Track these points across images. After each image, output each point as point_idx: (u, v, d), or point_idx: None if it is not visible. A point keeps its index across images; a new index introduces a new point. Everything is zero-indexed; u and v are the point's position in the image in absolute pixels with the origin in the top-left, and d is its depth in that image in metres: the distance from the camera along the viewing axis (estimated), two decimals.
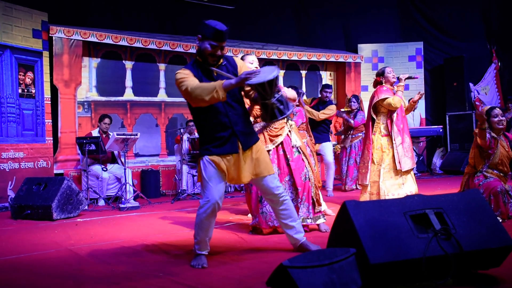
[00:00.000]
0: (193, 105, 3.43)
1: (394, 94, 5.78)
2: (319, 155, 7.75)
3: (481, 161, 5.12)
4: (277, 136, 4.66)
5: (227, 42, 9.74)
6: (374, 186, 5.77)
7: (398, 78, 5.91)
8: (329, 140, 7.87)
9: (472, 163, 5.20)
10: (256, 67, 4.56)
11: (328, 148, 7.80)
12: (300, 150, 4.75)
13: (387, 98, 5.72)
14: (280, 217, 3.78)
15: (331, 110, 7.67)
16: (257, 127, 4.61)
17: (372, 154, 5.83)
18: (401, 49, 11.83)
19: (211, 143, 3.54)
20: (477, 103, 11.74)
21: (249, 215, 5.48)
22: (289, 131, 4.76)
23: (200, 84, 3.35)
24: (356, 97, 8.63)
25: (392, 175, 5.71)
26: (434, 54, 12.31)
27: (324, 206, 5.92)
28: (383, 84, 5.89)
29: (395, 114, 5.80)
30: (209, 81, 3.43)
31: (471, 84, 11.75)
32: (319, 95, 8.03)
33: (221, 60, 3.60)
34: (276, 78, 3.28)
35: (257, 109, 4.49)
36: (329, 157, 7.79)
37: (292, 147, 4.71)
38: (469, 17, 12.27)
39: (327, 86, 7.99)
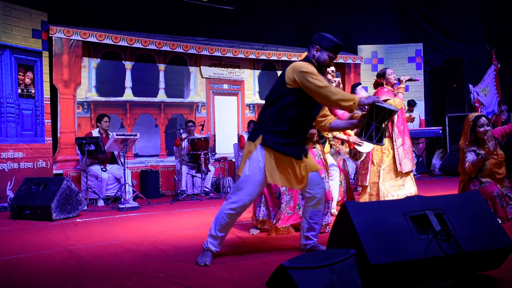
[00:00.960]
0: (323, 103, 3.53)
1: (394, 96, 5.78)
2: None
3: (474, 171, 5.08)
4: (309, 140, 4.80)
5: (226, 42, 9.74)
6: (373, 187, 5.77)
7: (399, 80, 5.91)
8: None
9: (464, 174, 5.17)
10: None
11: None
12: (321, 156, 4.88)
13: (388, 99, 5.72)
14: (309, 215, 3.80)
15: None
16: None
17: (372, 155, 5.84)
18: (401, 50, 11.84)
19: (282, 138, 3.54)
20: (476, 104, 11.76)
21: (251, 230, 5.45)
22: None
23: (338, 89, 3.46)
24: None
25: (391, 176, 5.71)
26: (434, 55, 12.32)
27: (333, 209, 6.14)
28: (384, 86, 5.89)
29: (395, 116, 5.80)
30: None
31: (470, 86, 11.77)
32: None
33: None
34: (394, 114, 3.60)
35: None
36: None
37: (314, 151, 4.85)
38: (469, 18, 12.28)
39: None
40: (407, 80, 5.92)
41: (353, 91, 7.08)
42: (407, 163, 5.71)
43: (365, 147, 5.70)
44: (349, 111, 3.56)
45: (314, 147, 4.90)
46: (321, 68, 3.63)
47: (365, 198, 5.80)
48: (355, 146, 5.72)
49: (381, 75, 5.97)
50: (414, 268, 2.64)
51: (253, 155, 3.54)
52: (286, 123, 3.52)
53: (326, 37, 3.60)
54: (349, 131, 5.53)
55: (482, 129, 4.99)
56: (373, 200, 5.63)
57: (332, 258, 2.49)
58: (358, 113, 4.22)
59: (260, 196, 4.76)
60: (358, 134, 3.60)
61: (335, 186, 5.69)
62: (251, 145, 3.57)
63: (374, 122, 3.47)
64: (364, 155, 5.76)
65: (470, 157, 4.99)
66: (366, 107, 3.54)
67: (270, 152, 3.52)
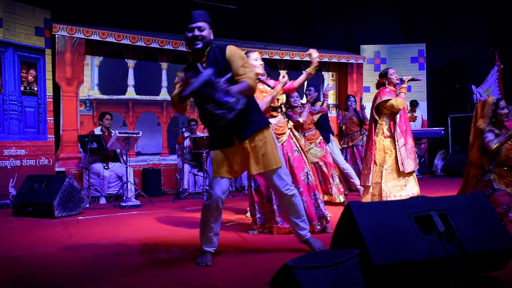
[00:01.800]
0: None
1: (397, 95, 5.78)
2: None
3: (488, 160, 5.04)
4: (282, 134, 4.68)
5: (229, 41, 9.73)
6: (376, 187, 5.77)
7: (401, 80, 5.90)
8: (329, 141, 7.56)
9: (479, 163, 5.10)
10: (261, 64, 4.56)
11: (333, 149, 7.57)
12: (300, 150, 4.78)
13: (389, 99, 5.72)
14: (287, 212, 3.78)
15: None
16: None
17: (375, 155, 5.83)
18: (403, 50, 11.83)
19: (212, 138, 3.61)
20: None
21: (248, 214, 5.48)
22: (291, 130, 4.79)
23: (173, 93, 3.41)
24: (354, 97, 8.68)
25: (394, 176, 5.71)
26: (436, 56, 12.31)
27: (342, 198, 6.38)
28: (386, 86, 5.89)
29: (398, 116, 5.80)
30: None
31: (473, 86, 11.75)
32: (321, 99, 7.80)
33: (207, 49, 3.52)
34: (206, 81, 3.03)
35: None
36: (338, 159, 7.51)
37: (293, 146, 4.75)
38: (472, 19, 12.27)
39: (307, 85, 7.81)
40: (409, 80, 5.92)
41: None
42: (410, 163, 5.70)
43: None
44: (184, 110, 3.55)
45: (293, 140, 4.79)
46: (193, 49, 3.50)
47: (367, 198, 5.79)
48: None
49: (383, 75, 5.97)
50: (418, 269, 2.63)
51: (210, 156, 3.63)
52: (205, 124, 3.61)
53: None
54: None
55: (503, 111, 5.07)
56: (376, 200, 5.63)
57: (335, 258, 2.48)
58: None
59: (254, 204, 4.76)
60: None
61: None
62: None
63: (209, 102, 3.08)
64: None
65: (491, 136, 4.99)
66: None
67: (213, 152, 3.59)
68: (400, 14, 12.42)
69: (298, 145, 4.80)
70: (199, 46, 3.47)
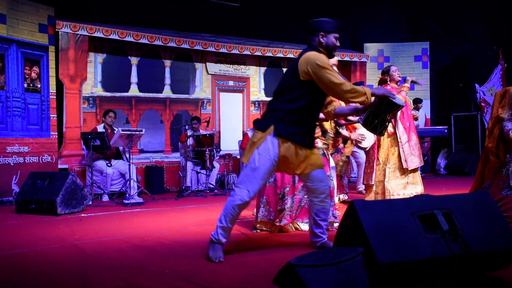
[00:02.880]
0: (335, 97, 3.67)
1: (398, 93, 5.77)
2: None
3: (504, 150, 5.00)
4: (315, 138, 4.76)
5: (232, 39, 9.68)
6: (379, 186, 5.75)
7: (404, 79, 5.91)
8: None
9: (495, 151, 5.05)
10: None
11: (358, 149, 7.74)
12: (324, 152, 4.86)
13: None
14: (315, 212, 3.81)
15: None
16: None
17: (378, 154, 5.82)
18: (407, 49, 11.79)
19: (293, 127, 3.55)
20: (482, 104, 11.71)
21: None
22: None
23: (351, 85, 3.47)
24: None
25: (397, 174, 5.69)
26: (440, 54, 12.28)
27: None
28: (388, 83, 5.88)
29: (399, 112, 5.79)
30: None
31: (476, 85, 11.72)
32: None
33: None
34: (399, 109, 3.77)
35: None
36: (362, 154, 7.66)
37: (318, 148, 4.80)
38: (476, 18, 12.22)
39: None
40: (412, 82, 5.92)
41: None
42: (414, 160, 5.69)
43: (366, 142, 5.83)
44: (363, 105, 3.63)
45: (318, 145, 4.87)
46: (331, 53, 3.67)
47: (371, 197, 5.78)
48: (356, 143, 5.77)
49: (386, 72, 5.97)
50: (422, 268, 2.62)
51: (262, 145, 3.53)
52: (297, 113, 3.54)
53: (325, 21, 3.64)
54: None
55: None
56: (379, 199, 5.62)
57: (339, 256, 2.47)
58: None
59: (262, 196, 4.77)
60: (363, 122, 3.67)
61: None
62: (260, 135, 3.57)
63: (381, 114, 3.58)
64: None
65: (508, 126, 4.98)
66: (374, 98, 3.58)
67: (282, 141, 3.53)
68: (404, 12, 12.39)
69: (322, 148, 4.88)
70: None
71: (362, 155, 7.73)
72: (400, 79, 5.92)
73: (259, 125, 3.65)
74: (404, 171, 5.70)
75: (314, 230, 3.84)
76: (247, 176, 3.55)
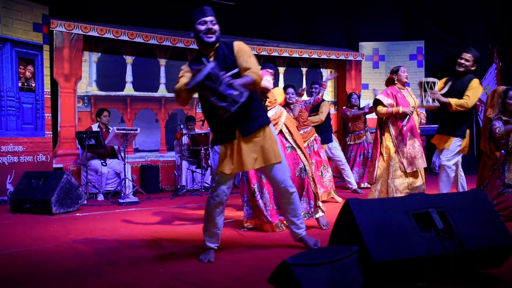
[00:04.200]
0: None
1: (393, 96, 5.79)
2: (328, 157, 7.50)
3: (494, 146, 5.19)
4: None
5: (227, 38, 9.70)
6: (383, 185, 5.75)
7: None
8: (332, 140, 7.66)
9: (486, 150, 5.27)
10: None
11: (334, 149, 7.68)
12: (293, 146, 4.73)
13: (379, 104, 5.77)
14: (285, 210, 3.79)
15: (326, 106, 7.53)
16: None
17: (380, 153, 5.83)
18: (402, 47, 11.81)
19: (215, 132, 3.61)
20: (477, 103, 11.72)
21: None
22: (282, 127, 4.75)
23: (177, 86, 3.40)
24: (356, 94, 8.68)
25: (401, 173, 5.70)
26: (435, 53, 12.29)
27: (333, 193, 6.46)
28: (395, 83, 5.90)
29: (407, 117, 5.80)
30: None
31: None
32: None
33: (217, 44, 3.53)
34: (208, 75, 3.09)
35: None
36: (339, 157, 7.66)
37: (285, 143, 4.71)
38: (471, 16, 12.24)
39: (313, 82, 7.80)
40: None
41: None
42: (419, 162, 5.74)
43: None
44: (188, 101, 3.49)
45: (285, 137, 4.75)
46: (204, 43, 3.49)
47: (373, 195, 5.77)
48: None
49: (395, 72, 5.98)
50: (417, 266, 2.63)
51: (212, 153, 3.65)
52: (208, 118, 3.60)
53: (190, 15, 3.59)
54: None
55: (510, 101, 5.16)
56: (382, 197, 5.61)
57: (334, 255, 2.47)
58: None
59: (243, 195, 4.80)
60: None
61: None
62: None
63: (213, 94, 3.13)
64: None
65: (499, 124, 5.11)
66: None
67: (217, 148, 3.58)
68: (399, 11, 12.40)
69: (292, 141, 4.74)
70: (213, 39, 3.48)
71: (341, 158, 7.68)
72: (407, 81, 5.95)
73: None
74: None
75: (290, 227, 3.85)
76: (211, 179, 3.67)
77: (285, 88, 6.12)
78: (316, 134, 6.51)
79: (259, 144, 3.54)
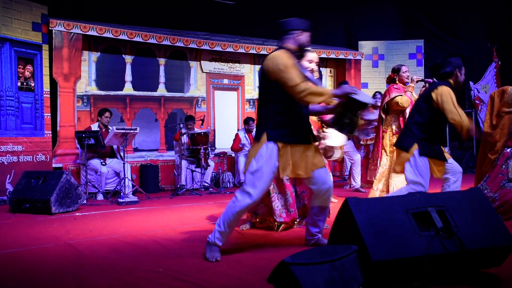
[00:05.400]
0: (297, 100, 3.47)
1: (405, 93, 5.80)
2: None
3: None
4: None
5: (227, 37, 9.65)
6: (385, 183, 5.74)
7: (411, 79, 5.91)
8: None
9: (499, 145, 5.26)
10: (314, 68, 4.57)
11: (350, 147, 7.74)
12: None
13: (396, 96, 5.75)
14: (315, 212, 3.82)
15: None
16: None
17: (382, 152, 5.82)
18: (401, 46, 11.80)
19: (284, 129, 3.55)
20: (477, 101, 11.73)
21: None
22: None
23: (311, 87, 3.41)
24: (380, 93, 8.62)
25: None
26: (435, 52, 12.28)
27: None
28: (396, 82, 5.89)
29: (407, 112, 5.80)
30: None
31: (471, 83, 11.73)
32: None
33: None
34: (367, 106, 3.54)
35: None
36: (355, 154, 7.80)
37: None
38: (470, 15, 12.24)
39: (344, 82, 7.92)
40: (418, 81, 5.91)
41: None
42: None
43: (332, 140, 5.24)
44: (326, 104, 3.66)
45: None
46: (303, 51, 3.78)
47: (374, 194, 5.76)
48: (324, 142, 5.59)
49: (396, 71, 5.98)
50: (416, 265, 2.63)
51: (259, 152, 3.52)
52: (281, 113, 3.54)
53: (298, 20, 3.72)
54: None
55: None
56: (383, 196, 5.61)
57: (333, 254, 2.47)
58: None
59: None
60: (332, 122, 3.66)
61: None
62: (256, 145, 3.58)
63: (348, 112, 3.53)
64: (336, 153, 5.31)
65: None
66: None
67: (281, 146, 3.52)
68: (399, 10, 12.40)
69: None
70: None
71: (355, 154, 7.76)
72: (408, 80, 5.94)
73: (255, 137, 3.66)
74: None
75: (311, 230, 3.87)
76: (247, 181, 3.53)
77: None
78: None
79: (313, 149, 3.72)
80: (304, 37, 3.67)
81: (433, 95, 4.18)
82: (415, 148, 4.22)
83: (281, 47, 3.64)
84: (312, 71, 4.26)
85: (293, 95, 3.42)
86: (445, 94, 4.12)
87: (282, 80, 3.42)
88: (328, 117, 4.18)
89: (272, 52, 3.62)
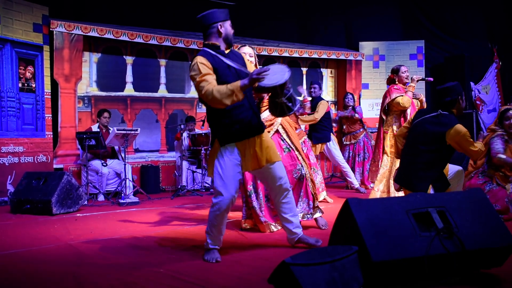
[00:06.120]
0: (213, 107, 3.40)
1: (405, 93, 5.80)
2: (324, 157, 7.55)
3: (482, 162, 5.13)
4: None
5: None
6: (386, 184, 5.74)
7: (411, 78, 5.91)
8: (330, 139, 7.67)
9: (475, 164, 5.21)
10: (254, 61, 4.54)
11: (333, 148, 7.70)
12: (290, 147, 4.68)
13: (397, 96, 5.74)
14: (281, 210, 3.78)
15: (324, 105, 7.49)
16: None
17: (382, 153, 5.83)
18: (402, 47, 11.80)
19: (230, 128, 3.50)
20: (477, 102, 11.73)
21: None
22: (279, 128, 4.71)
23: (217, 88, 3.30)
24: (352, 94, 8.65)
25: None
26: (435, 52, 12.28)
27: (324, 194, 6.23)
28: (396, 83, 5.89)
29: (408, 112, 5.80)
30: (234, 63, 3.52)
31: (472, 83, 11.73)
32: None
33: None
34: (284, 85, 3.33)
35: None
36: (338, 157, 7.70)
37: (282, 144, 4.66)
38: (471, 15, 12.24)
39: (312, 82, 7.84)
40: (419, 80, 5.91)
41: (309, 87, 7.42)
42: None
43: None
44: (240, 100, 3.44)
45: (282, 137, 4.70)
46: (229, 42, 3.66)
47: (375, 195, 5.77)
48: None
49: (395, 71, 5.97)
50: (417, 266, 2.63)
51: (219, 154, 3.52)
52: (225, 115, 3.49)
53: (216, 11, 3.67)
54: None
55: (507, 122, 5.10)
56: (383, 197, 5.61)
57: (334, 255, 2.48)
58: None
59: (242, 197, 4.77)
60: (273, 114, 3.64)
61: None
62: (214, 149, 3.58)
63: (277, 98, 3.43)
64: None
65: (497, 145, 5.03)
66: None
67: (232, 146, 3.51)
68: (399, 10, 12.39)
69: (289, 141, 4.71)
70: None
71: (339, 159, 7.69)
72: (408, 81, 5.93)
73: (210, 142, 3.67)
74: None
75: (288, 227, 3.83)
76: (217, 184, 3.51)
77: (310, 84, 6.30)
78: (305, 137, 6.47)
79: (266, 142, 3.64)
80: (226, 28, 3.60)
81: (447, 137, 4.03)
82: (429, 190, 4.07)
83: (203, 47, 3.60)
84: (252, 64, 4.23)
85: (206, 102, 3.40)
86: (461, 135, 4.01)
87: (196, 89, 3.43)
88: None
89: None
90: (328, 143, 7.64)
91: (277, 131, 4.68)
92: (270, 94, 3.51)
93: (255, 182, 4.64)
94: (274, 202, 3.81)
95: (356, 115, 8.27)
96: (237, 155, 3.51)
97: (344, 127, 8.53)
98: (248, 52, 4.51)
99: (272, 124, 4.65)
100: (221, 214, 3.51)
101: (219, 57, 3.51)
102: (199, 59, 3.46)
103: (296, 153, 4.68)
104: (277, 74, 3.32)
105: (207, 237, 3.61)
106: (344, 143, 8.43)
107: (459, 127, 4.01)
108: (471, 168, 5.29)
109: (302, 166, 4.61)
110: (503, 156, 4.93)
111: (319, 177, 6.40)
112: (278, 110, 3.48)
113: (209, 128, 9.32)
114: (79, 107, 8.55)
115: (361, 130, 8.34)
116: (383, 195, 5.70)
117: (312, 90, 7.48)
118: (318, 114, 7.31)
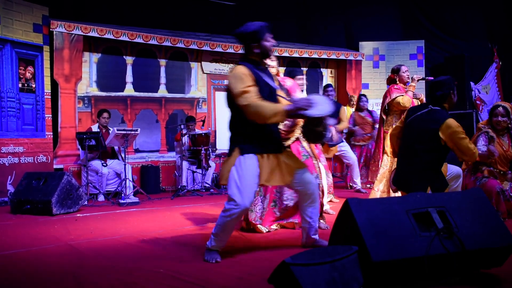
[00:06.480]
0: (250, 119, 3.41)
1: (406, 93, 5.79)
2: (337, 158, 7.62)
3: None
4: (286, 139, 4.64)
5: (228, 38, 9.67)
6: (385, 185, 5.74)
7: (412, 78, 5.90)
8: (342, 140, 7.70)
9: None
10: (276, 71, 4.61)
11: (346, 147, 7.76)
12: (309, 154, 4.74)
13: (397, 96, 5.74)
14: (306, 214, 3.81)
15: (345, 111, 7.56)
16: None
17: (382, 153, 5.83)
18: (402, 47, 11.80)
19: (254, 139, 3.54)
20: (477, 102, 11.73)
21: None
22: (300, 136, 4.73)
23: (262, 104, 3.34)
24: (365, 96, 8.62)
25: None
26: (435, 52, 12.28)
27: (326, 206, 6.04)
28: (397, 82, 5.89)
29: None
30: (270, 80, 3.60)
31: (472, 83, 11.73)
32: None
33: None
34: (326, 116, 3.48)
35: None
36: (349, 153, 7.77)
37: (301, 151, 4.70)
38: (471, 15, 12.24)
39: (328, 85, 7.87)
40: (419, 79, 5.90)
41: (324, 90, 7.46)
42: None
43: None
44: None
45: (301, 145, 4.75)
46: (267, 57, 3.74)
47: (375, 195, 5.76)
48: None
49: (395, 71, 5.96)
50: (417, 266, 2.63)
51: (237, 161, 3.50)
52: (249, 126, 3.50)
53: (258, 25, 3.64)
54: None
55: (495, 118, 5.07)
56: (383, 197, 5.61)
57: (334, 255, 2.47)
58: None
59: None
60: (307, 139, 3.83)
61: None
62: (231, 158, 3.55)
63: (307, 125, 3.59)
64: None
65: (478, 143, 5.03)
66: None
67: (254, 157, 3.51)
68: (399, 10, 12.39)
69: (308, 150, 4.76)
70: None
71: (351, 155, 7.72)
72: (408, 80, 5.93)
73: (228, 152, 3.64)
74: None
75: (308, 232, 3.85)
76: (232, 192, 3.48)
77: (325, 87, 6.88)
78: None
79: (289, 155, 3.74)
80: (265, 44, 3.62)
81: (441, 133, 3.94)
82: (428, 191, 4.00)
83: (246, 59, 3.65)
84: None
85: (249, 115, 3.39)
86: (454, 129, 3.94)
87: (237, 102, 3.43)
88: None
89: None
90: (340, 143, 7.68)
91: (297, 139, 4.74)
92: (305, 120, 3.59)
93: (265, 187, 4.64)
94: (300, 205, 3.83)
95: (369, 119, 8.27)
96: (256, 167, 3.49)
97: (357, 128, 8.46)
98: (274, 66, 4.64)
99: (293, 131, 4.70)
100: (232, 221, 3.49)
101: (258, 73, 3.55)
102: (243, 69, 3.50)
103: (315, 161, 4.75)
104: (322, 105, 3.42)
105: (212, 238, 3.59)
106: (352, 143, 8.41)
107: (450, 121, 3.93)
108: (464, 166, 5.30)
109: (317, 176, 4.65)
110: (479, 152, 4.93)
111: (330, 180, 6.43)
112: (314, 137, 3.63)
113: (209, 128, 9.35)
114: (79, 107, 8.55)
115: (371, 134, 8.30)
116: (383, 195, 5.70)
117: (330, 94, 7.54)
118: (347, 122, 7.63)
